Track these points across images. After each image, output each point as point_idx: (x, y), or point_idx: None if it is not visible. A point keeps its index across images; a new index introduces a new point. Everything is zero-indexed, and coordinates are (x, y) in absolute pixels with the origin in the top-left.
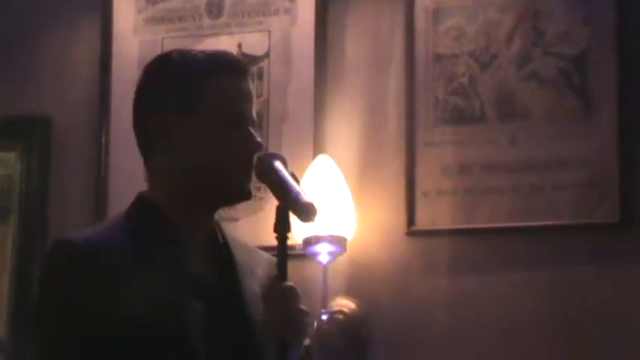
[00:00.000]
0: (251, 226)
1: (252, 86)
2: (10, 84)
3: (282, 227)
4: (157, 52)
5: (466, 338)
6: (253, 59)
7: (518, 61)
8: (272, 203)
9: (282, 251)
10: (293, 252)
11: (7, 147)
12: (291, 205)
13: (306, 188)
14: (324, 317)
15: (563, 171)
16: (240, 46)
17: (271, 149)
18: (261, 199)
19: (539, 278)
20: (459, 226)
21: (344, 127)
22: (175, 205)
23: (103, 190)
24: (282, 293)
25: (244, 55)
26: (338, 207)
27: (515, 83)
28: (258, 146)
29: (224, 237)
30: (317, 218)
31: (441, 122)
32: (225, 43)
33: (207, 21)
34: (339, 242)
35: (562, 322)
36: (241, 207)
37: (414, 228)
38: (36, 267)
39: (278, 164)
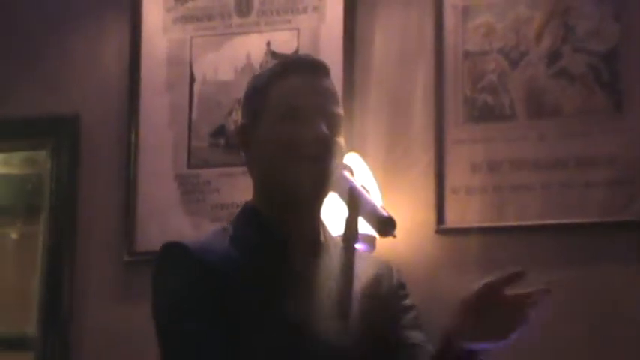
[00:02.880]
0: None
1: (328, 83)
2: (39, 83)
3: (351, 238)
4: (186, 50)
5: None
6: (282, 58)
7: (548, 57)
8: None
9: (350, 261)
10: None
11: (36, 146)
12: (369, 219)
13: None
14: None
15: (593, 169)
16: (268, 44)
17: None
18: None
19: (570, 276)
20: (489, 224)
21: (373, 125)
22: (272, 206)
23: (133, 188)
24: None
25: (273, 53)
26: None
27: (544, 80)
28: (320, 137)
29: (326, 236)
30: (394, 232)
31: (470, 120)
32: (253, 42)
33: (236, 19)
34: (369, 241)
35: (592, 320)
36: None
37: (443, 226)
38: (65, 265)
39: (347, 175)
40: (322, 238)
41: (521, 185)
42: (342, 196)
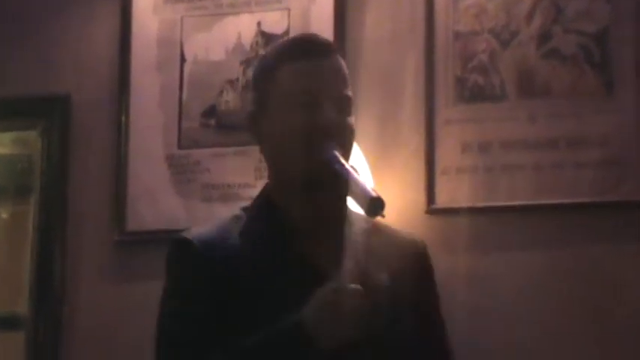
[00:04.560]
0: None
1: (334, 64)
2: (29, 63)
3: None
4: (177, 30)
5: (487, 317)
6: (272, 38)
7: (539, 38)
8: None
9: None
10: None
11: (27, 126)
12: (358, 199)
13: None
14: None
15: (584, 149)
16: (259, 24)
17: None
18: None
19: (560, 256)
20: (479, 204)
21: (363, 106)
22: (284, 194)
23: (123, 168)
24: (341, 292)
25: (264, 33)
26: None
27: (535, 60)
28: (324, 120)
29: (342, 219)
30: (383, 212)
31: (461, 100)
32: (244, 22)
33: None
34: None
35: (583, 300)
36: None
37: (434, 206)
38: (56, 245)
39: (336, 155)
40: (346, 224)
41: (511, 165)
42: (332, 177)
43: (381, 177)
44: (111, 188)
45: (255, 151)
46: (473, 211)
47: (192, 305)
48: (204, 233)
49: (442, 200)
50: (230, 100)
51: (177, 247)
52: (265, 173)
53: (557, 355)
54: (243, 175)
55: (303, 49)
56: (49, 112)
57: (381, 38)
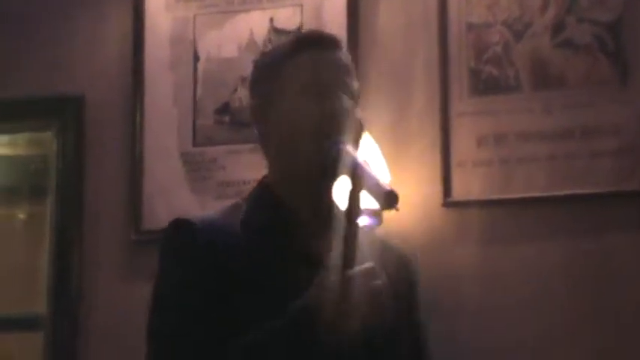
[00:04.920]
0: None
1: (342, 56)
2: (43, 63)
3: (354, 213)
4: (189, 28)
5: (503, 308)
6: (285, 34)
7: (553, 28)
8: None
9: (353, 236)
10: None
11: (42, 127)
12: (372, 193)
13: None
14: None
15: (598, 139)
16: (271, 20)
17: None
18: None
19: (577, 246)
20: (495, 197)
21: (378, 99)
22: (286, 185)
23: (138, 166)
24: (363, 276)
25: (276, 29)
26: None
27: (549, 51)
28: (335, 110)
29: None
30: (397, 205)
31: (475, 92)
32: (257, 18)
33: None
34: (376, 215)
35: (599, 290)
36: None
37: (450, 199)
38: (73, 245)
39: (350, 149)
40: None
41: (527, 157)
42: (345, 170)
43: (397, 170)
44: (126, 187)
45: None
46: (489, 203)
47: (192, 295)
48: (206, 219)
49: (458, 193)
50: (243, 97)
51: (178, 231)
52: None
53: (574, 345)
54: (259, 172)
55: (312, 41)
56: (63, 113)
57: (393, 32)
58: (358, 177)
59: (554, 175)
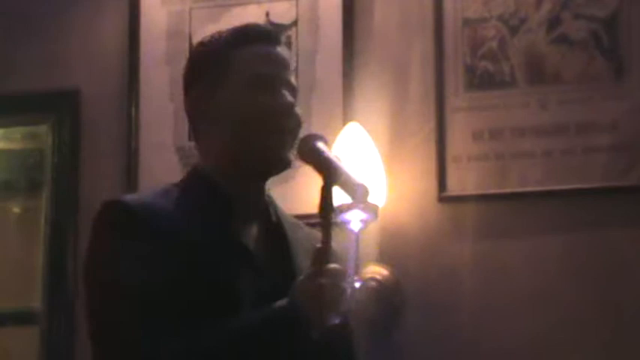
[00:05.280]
0: (281, 196)
1: (286, 52)
2: (39, 58)
3: (328, 206)
4: (185, 22)
5: (498, 303)
6: (281, 28)
7: (548, 24)
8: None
9: (327, 231)
10: None
11: (37, 120)
12: (343, 186)
13: (346, 164)
14: (357, 284)
15: (594, 134)
16: (267, 14)
17: (302, 117)
18: (292, 168)
19: (572, 242)
20: (491, 192)
21: (373, 94)
22: (224, 175)
23: (134, 161)
24: (327, 275)
25: (272, 24)
26: (369, 174)
27: (545, 47)
28: (288, 106)
29: (277, 214)
30: (368, 198)
31: (471, 87)
32: (252, 12)
33: None
34: (371, 210)
35: (593, 285)
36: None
37: (445, 194)
38: (69, 239)
39: (321, 145)
40: (273, 217)
41: (522, 152)
42: (316, 166)
43: (393, 165)
44: (122, 181)
45: None
46: (484, 198)
47: (148, 271)
48: (139, 200)
49: (453, 188)
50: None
51: (112, 210)
52: None
53: (570, 342)
54: None
55: (256, 35)
56: (58, 107)
57: (389, 26)
58: (331, 171)
59: (549, 170)
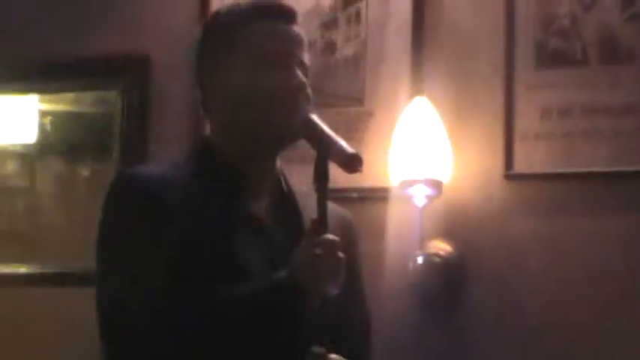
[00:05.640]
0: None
1: (302, 30)
2: (109, 23)
3: (322, 177)
4: None
5: (562, 281)
6: (351, 0)
7: (623, 2)
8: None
9: (323, 203)
10: (389, 194)
11: (107, 85)
12: (337, 156)
13: (404, 133)
14: (420, 259)
15: None
16: None
17: (369, 90)
18: (358, 140)
19: (639, 223)
20: (558, 170)
21: (442, 69)
22: (234, 148)
23: (202, 128)
24: (323, 246)
25: None
26: (434, 150)
27: (618, 25)
28: (299, 84)
29: (288, 185)
30: (362, 168)
31: (541, 65)
32: None
33: None
34: (435, 185)
35: None
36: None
37: (511, 172)
38: None
39: (314, 117)
40: (284, 187)
41: (591, 131)
42: (309, 138)
43: (459, 142)
44: (189, 147)
45: (330, 113)
46: (551, 176)
47: (150, 249)
48: (148, 172)
49: (520, 166)
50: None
51: (123, 183)
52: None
53: (629, 322)
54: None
55: (276, 10)
56: (128, 72)
57: (460, 1)
58: (325, 144)
59: (618, 150)
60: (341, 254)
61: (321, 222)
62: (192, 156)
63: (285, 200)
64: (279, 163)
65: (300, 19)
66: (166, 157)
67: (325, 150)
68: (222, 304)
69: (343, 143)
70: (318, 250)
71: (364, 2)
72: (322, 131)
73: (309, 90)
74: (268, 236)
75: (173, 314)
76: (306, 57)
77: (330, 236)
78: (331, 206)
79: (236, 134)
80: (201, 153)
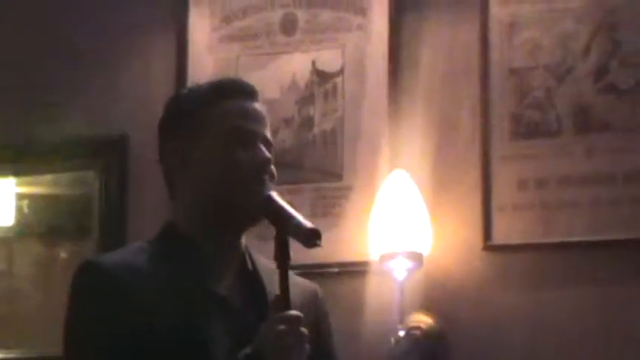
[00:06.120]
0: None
1: (263, 107)
2: (87, 104)
3: (283, 255)
4: (232, 69)
5: (544, 354)
6: (328, 76)
7: (595, 73)
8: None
9: (284, 279)
10: (369, 268)
11: (85, 166)
12: (295, 231)
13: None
14: (401, 333)
15: None
16: (314, 63)
17: (347, 165)
18: (338, 215)
19: (618, 293)
20: (536, 241)
21: (419, 142)
22: (199, 230)
23: None
24: (286, 322)
25: (318, 72)
26: (414, 222)
27: (591, 96)
28: (265, 161)
29: (253, 262)
30: (321, 242)
31: (517, 136)
32: (298, 60)
33: (281, 38)
34: (416, 258)
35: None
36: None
37: (490, 243)
38: None
39: (274, 194)
40: (249, 266)
41: (568, 201)
42: (268, 215)
43: (438, 214)
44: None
45: (309, 189)
46: (529, 247)
47: (105, 334)
48: (113, 260)
49: (499, 237)
50: (285, 138)
51: (87, 272)
52: (324, 210)
53: None
54: (299, 212)
55: (237, 89)
56: (106, 153)
57: (435, 75)
58: (284, 220)
59: (595, 220)
60: (304, 329)
61: (284, 298)
62: (157, 240)
63: (250, 278)
64: (244, 240)
65: (278, 95)
66: (146, 236)
67: (284, 226)
68: None
69: (301, 219)
70: (281, 326)
71: (340, 78)
72: (281, 207)
73: (273, 167)
74: (233, 315)
75: None
76: (269, 133)
77: (292, 312)
78: (298, 280)
79: (202, 215)
80: (165, 235)
